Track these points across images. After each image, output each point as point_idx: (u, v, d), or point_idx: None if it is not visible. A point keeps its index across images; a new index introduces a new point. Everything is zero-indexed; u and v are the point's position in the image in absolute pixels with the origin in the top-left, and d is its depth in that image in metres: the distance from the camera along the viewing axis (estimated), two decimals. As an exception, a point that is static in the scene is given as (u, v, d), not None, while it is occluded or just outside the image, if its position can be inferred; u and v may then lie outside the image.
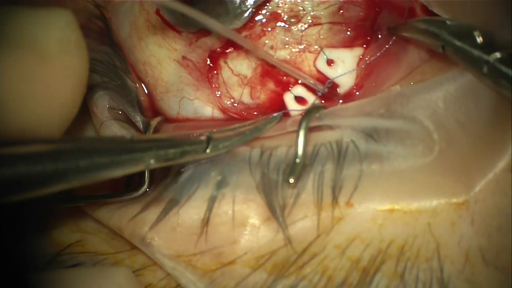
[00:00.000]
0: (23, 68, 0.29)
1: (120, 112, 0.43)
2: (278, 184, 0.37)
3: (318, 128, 0.39)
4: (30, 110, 0.30)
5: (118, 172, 0.32)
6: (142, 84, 0.46)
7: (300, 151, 0.37)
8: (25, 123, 0.29)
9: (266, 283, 0.36)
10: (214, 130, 0.38)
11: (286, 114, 0.43)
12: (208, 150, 0.37)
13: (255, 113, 0.44)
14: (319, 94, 0.43)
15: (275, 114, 0.41)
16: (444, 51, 0.36)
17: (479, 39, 0.33)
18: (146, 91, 0.46)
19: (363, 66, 0.42)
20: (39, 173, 0.27)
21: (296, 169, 0.37)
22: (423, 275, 0.35)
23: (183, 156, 0.35)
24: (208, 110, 0.45)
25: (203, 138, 0.37)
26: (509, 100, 0.33)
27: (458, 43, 0.34)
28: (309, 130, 0.38)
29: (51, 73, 0.30)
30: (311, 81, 0.43)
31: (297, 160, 0.37)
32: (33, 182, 0.27)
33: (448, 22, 0.36)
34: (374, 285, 0.36)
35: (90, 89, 0.43)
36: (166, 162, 0.35)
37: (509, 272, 0.36)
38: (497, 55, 0.32)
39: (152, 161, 0.33)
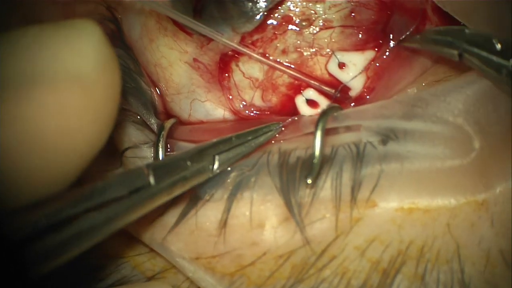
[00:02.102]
0: (70, 100, 0.28)
1: (134, 114, 0.43)
2: (296, 184, 0.37)
3: (335, 131, 0.39)
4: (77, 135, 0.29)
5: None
6: (155, 86, 0.46)
7: (317, 151, 0.37)
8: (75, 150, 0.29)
9: (286, 286, 0.36)
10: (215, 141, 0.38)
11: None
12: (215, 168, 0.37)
13: (267, 113, 0.43)
14: (334, 96, 0.42)
15: (274, 123, 0.41)
16: (460, 59, 0.36)
17: (498, 46, 0.33)
18: (159, 93, 0.46)
19: (368, 69, 0.42)
20: None
21: (314, 169, 0.36)
22: (444, 277, 0.35)
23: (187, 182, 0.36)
24: (219, 112, 0.44)
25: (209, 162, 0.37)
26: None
27: (477, 50, 0.34)
28: (326, 133, 0.38)
29: (95, 96, 0.29)
30: (321, 86, 0.42)
31: (315, 161, 0.36)
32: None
33: (465, 30, 0.36)
34: None
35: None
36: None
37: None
38: None
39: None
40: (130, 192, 0.31)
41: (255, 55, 0.42)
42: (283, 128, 0.41)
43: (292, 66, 0.43)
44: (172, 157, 0.37)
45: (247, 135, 0.39)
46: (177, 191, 0.35)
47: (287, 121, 0.42)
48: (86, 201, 0.29)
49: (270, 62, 0.42)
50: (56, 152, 0.28)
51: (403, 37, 0.41)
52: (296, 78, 0.43)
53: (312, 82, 0.42)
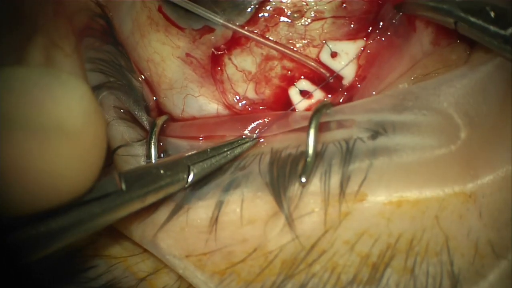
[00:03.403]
0: (55, 149, 0.29)
1: (126, 111, 0.43)
2: (286, 180, 0.37)
3: (327, 128, 0.39)
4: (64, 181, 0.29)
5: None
6: (147, 83, 0.46)
7: (311, 150, 0.37)
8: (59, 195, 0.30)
9: (276, 282, 0.36)
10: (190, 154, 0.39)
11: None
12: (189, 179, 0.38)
13: (261, 107, 0.44)
14: (327, 80, 0.42)
15: (248, 137, 0.42)
16: (456, 27, 0.36)
17: (492, 14, 0.34)
18: (150, 90, 0.46)
19: (359, 57, 0.42)
20: None
21: (308, 168, 0.37)
22: (433, 269, 0.36)
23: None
24: (213, 107, 0.44)
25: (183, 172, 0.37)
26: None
27: (473, 19, 0.34)
28: (318, 129, 0.38)
29: (79, 146, 0.30)
30: (318, 67, 0.42)
31: (309, 159, 0.37)
32: None
33: None
34: (385, 281, 0.36)
35: (96, 89, 0.43)
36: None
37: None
38: None
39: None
40: (101, 196, 0.32)
41: (255, 37, 0.42)
42: (261, 140, 0.42)
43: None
44: (146, 166, 0.38)
45: (222, 147, 0.40)
46: (151, 199, 0.35)
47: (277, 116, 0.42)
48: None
49: (271, 43, 0.42)
50: (36, 191, 0.28)
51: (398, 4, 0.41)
52: (289, 69, 0.43)
53: (310, 63, 0.42)
